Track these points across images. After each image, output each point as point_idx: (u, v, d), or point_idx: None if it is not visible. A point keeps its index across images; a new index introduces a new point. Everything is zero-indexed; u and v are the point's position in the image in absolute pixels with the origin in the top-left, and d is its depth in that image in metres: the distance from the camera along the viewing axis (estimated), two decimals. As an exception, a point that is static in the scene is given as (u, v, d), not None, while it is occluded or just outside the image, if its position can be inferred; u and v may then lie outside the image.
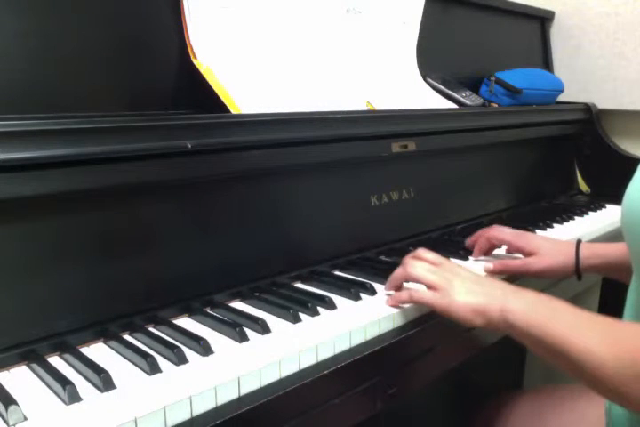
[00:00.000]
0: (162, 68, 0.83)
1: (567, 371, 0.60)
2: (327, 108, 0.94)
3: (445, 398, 1.33)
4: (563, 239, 0.97)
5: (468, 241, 0.97)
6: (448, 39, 1.32)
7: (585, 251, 0.88)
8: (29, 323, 0.62)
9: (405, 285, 0.78)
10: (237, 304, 0.77)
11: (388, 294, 0.78)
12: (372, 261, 0.95)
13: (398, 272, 0.77)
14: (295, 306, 0.72)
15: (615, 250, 0.87)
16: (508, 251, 0.96)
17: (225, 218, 0.78)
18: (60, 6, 0.72)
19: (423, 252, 0.76)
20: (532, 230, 1.12)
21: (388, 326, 0.72)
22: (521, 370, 1.60)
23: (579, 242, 0.90)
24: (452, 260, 0.93)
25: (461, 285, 0.69)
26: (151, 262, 0.71)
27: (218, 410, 0.55)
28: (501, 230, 0.94)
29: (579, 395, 0.94)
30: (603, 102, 1.52)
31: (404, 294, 0.73)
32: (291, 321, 0.70)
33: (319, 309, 0.74)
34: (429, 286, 0.71)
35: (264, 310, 0.74)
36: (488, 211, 1.25)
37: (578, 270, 0.88)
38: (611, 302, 1.52)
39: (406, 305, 0.75)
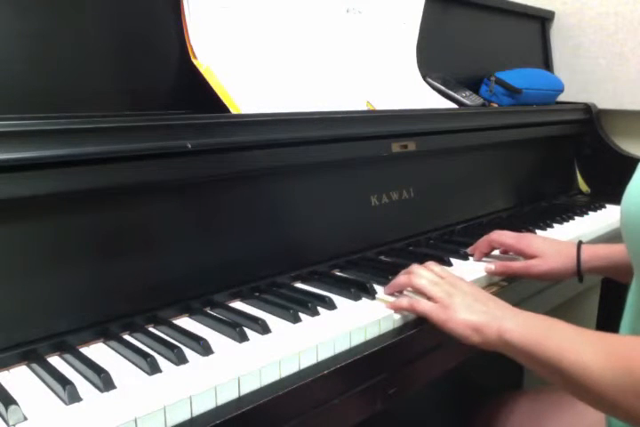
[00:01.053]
0: (162, 68, 0.83)
1: (564, 388, 0.60)
2: (327, 108, 0.94)
3: (445, 398, 1.33)
4: (563, 240, 0.97)
5: (470, 249, 0.97)
6: (448, 39, 1.32)
7: (586, 252, 0.88)
8: (29, 323, 0.62)
9: (406, 293, 0.78)
10: (237, 304, 0.77)
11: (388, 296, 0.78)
12: (372, 261, 0.95)
13: (402, 279, 0.77)
14: (295, 306, 0.72)
15: (616, 251, 0.87)
16: (504, 251, 0.96)
17: (225, 218, 0.78)
18: (59, 6, 0.72)
19: (430, 263, 0.78)
20: (532, 230, 1.12)
21: (387, 326, 0.72)
22: (521, 370, 1.60)
23: (579, 244, 0.90)
24: (453, 260, 0.94)
25: (462, 301, 0.69)
26: (151, 262, 0.71)
27: (218, 410, 0.55)
28: (502, 234, 0.94)
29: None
30: (603, 102, 1.52)
31: (404, 302, 0.73)
32: (291, 321, 0.70)
33: (319, 309, 0.74)
34: (431, 298, 0.72)
35: (264, 310, 0.74)
36: (488, 211, 1.25)
37: (579, 272, 0.88)
38: (611, 302, 1.52)
39: (406, 305, 0.75)
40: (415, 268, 0.77)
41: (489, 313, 0.67)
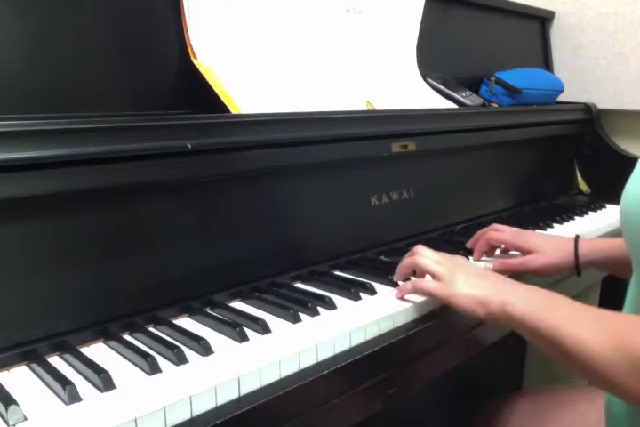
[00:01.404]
0: (162, 68, 0.83)
1: (564, 363, 0.61)
2: (327, 108, 0.94)
3: (445, 398, 1.33)
4: (562, 236, 0.97)
5: (469, 243, 0.97)
6: (448, 39, 1.32)
7: (584, 246, 0.88)
8: (29, 323, 0.62)
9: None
10: (237, 304, 0.77)
11: (397, 284, 0.81)
12: (372, 261, 0.95)
13: (407, 261, 0.79)
14: (295, 306, 0.72)
15: (614, 245, 0.87)
16: (504, 250, 0.96)
17: (225, 218, 0.78)
18: (59, 6, 0.72)
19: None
20: (532, 230, 1.12)
21: (387, 325, 0.72)
22: (521, 370, 1.60)
23: (577, 238, 0.90)
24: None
25: (465, 277, 0.71)
26: (151, 262, 0.71)
27: (218, 410, 0.55)
28: (500, 230, 0.94)
29: (579, 396, 0.94)
30: (603, 102, 1.52)
31: (408, 285, 0.76)
32: (291, 321, 0.70)
33: (319, 309, 0.74)
34: (434, 276, 0.73)
35: (264, 310, 0.74)
36: (488, 211, 1.25)
37: (577, 266, 0.88)
38: (611, 301, 1.51)
39: (407, 305, 0.75)
40: (419, 248, 0.78)
41: (492, 287, 0.68)
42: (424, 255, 0.76)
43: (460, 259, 0.76)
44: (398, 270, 0.81)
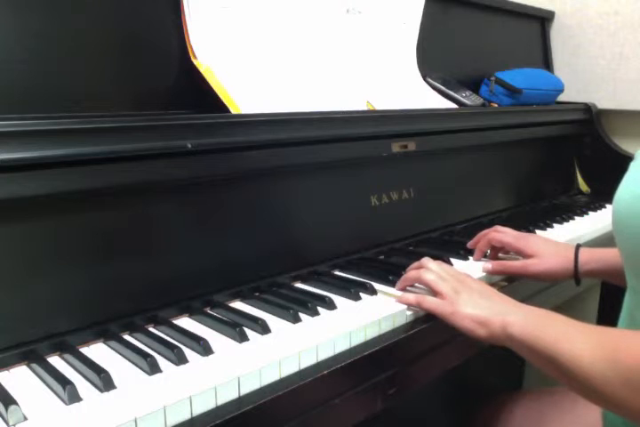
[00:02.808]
0: (162, 68, 0.83)
1: (563, 380, 0.61)
2: (327, 108, 0.94)
3: (445, 398, 1.33)
4: (563, 242, 0.97)
5: (470, 243, 0.97)
6: (448, 39, 1.32)
7: (584, 256, 0.88)
8: (29, 323, 0.62)
9: (413, 289, 0.80)
10: (237, 304, 0.77)
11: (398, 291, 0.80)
12: (372, 262, 0.95)
13: (412, 274, 0.78)
14: (295, 306, 0.72)
15: (614, 255, 0.86)
16: (505, 251, 0.96)
17: (225, 218, 0.78)
18: (59, 6, 0.72)
19: (439, 262, 0.79)
20: (532, 230, 1.12)
21: (387, 325, 0.72)
22: (521, 371, 1.60)
23: (578, 246, 0.90)
24: (453, 260, 0.94)
25: (468, 297, 0.70)
26: (151, 262, 0.71)
27: (218, 410, 0.55)
28: (502, 232, 0.94)
29: (578, 397, 0.94)
30: (603, 102, 1.52)
31: (411, 297, 0.75)
32: (291, 321, 0.70)
33: (319, 309, 0.74)
34: (438, 294, 0.73)
35: (264, 310, 0.74)
36: (488, 211, 1.25)
37: (576, 275, 0.88)
38: (610, 303, 1.51)
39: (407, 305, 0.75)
40: (426, 262, 0.78)
41: (493, 308, 0.68)
42: (430, 271, 0.76)
43: (465, 277, 0.76)
44: (402, 281, 0.80)
